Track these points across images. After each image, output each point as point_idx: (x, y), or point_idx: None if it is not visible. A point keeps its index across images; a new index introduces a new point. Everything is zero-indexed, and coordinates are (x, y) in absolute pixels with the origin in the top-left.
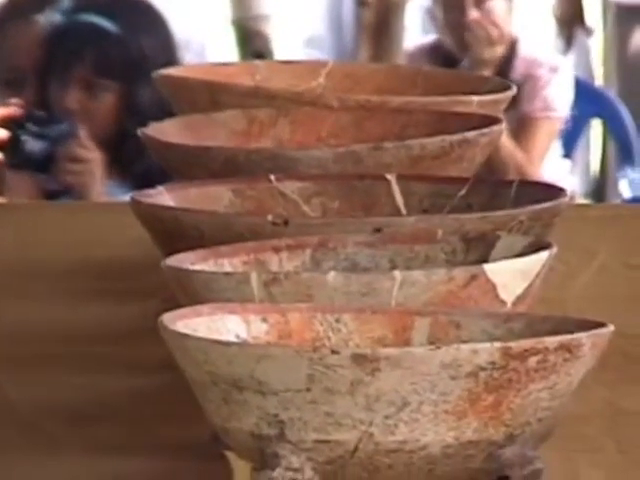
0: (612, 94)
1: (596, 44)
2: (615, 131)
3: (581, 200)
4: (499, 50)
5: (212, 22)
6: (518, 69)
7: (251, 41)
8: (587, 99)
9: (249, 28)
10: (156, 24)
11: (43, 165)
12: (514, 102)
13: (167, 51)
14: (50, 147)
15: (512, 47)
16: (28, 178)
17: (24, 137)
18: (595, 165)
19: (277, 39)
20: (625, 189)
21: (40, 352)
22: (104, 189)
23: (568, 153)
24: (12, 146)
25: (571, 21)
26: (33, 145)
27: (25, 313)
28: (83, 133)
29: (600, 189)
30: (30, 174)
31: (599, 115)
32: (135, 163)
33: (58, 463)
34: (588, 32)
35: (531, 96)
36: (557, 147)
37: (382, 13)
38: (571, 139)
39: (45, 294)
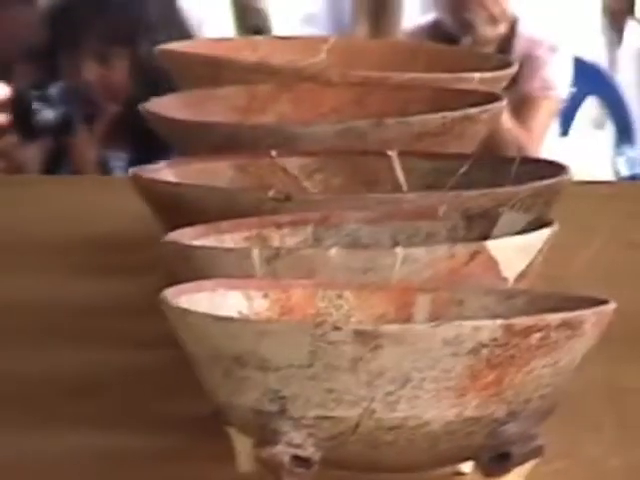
0: (607, 71)
1: None
2: (614, 109)
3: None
4: (501, 28)
5: None
6: (518, 48)
7: (249, 17)
8: (585, 77)
9: (247, 4)
10: None
11: (62, 129)
12: (513, 81)
13: (172, 10)
14: (64, 109)
15: (512, 26)
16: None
17: (35, 105)
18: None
19: (274, 16)
20: (623, 167)
21: (38, 326)
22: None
23: (566, 131)
24: (25, 119)
25: (622, 14)
26: (46, 113)
27: (23, 287)
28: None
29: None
30: (43, 142)
31: (597, 93)
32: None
33: (54, 437)
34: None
35: (530, 75)
36: (555, 126)
37: None
38: (569, 117)
39: (44, 269)
